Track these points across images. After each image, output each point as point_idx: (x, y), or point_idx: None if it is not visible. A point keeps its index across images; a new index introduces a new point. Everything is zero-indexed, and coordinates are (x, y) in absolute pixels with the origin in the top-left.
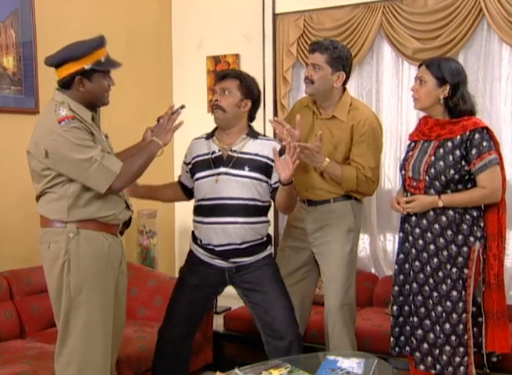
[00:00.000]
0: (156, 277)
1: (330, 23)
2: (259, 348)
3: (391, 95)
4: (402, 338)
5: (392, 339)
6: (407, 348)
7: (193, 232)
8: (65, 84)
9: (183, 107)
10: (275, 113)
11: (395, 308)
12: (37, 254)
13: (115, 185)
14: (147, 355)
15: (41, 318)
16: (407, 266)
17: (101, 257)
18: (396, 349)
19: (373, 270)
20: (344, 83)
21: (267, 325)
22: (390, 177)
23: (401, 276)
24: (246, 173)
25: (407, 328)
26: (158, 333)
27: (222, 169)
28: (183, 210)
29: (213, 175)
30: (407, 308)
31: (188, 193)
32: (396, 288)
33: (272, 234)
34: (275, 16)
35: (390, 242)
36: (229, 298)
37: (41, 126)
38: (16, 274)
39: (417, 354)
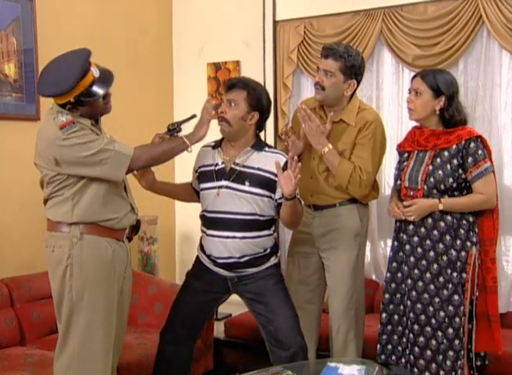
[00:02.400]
0: (156, 284)
1: (330, 30)
2: (260, 354)
3: (391, 102)
4: (389, 347)
5: (378, 346)
6: (393, 357)
7: (201, 238)
8: (61, 106)
9: (194, 116)
10: (276, 120)
11: (384, 315)
12: (37, 261)
13: (133, 165)
14: (148, 361)
15: (42, 325)
16: (399, 275)
17: (104, 262)
18: (382, 357)
19: (374, 277)
20: (354, 90)
21: (271, 335)
22: (390, 184)
23: (393, 285)
24: (246, 187)
25: (395, 337)
26: (159, 335)
27: (224, 183)
28: (184, 217)
29: (215, 188)
30: (396, 317)
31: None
32: (387, 296)
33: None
34: (275, 22)
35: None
36: (230, 304)
37: (43, 137)
38: (16, 281)
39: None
